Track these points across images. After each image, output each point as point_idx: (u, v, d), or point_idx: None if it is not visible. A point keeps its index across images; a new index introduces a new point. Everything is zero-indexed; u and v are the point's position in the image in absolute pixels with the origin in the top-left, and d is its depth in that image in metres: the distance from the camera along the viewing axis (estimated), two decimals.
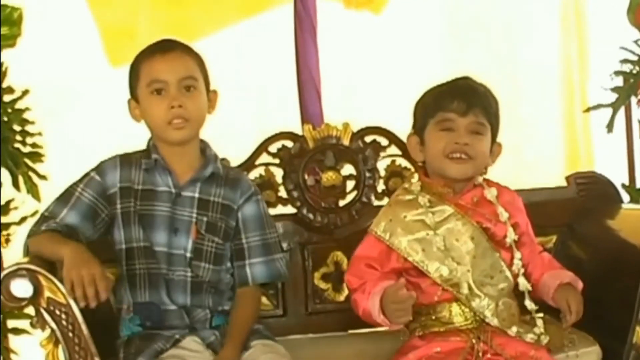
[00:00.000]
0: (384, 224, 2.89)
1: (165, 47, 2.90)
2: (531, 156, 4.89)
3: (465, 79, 2.96)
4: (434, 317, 2.85)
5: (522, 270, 2.90)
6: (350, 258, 2.96)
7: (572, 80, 4.89)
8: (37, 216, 2.97)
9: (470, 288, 2.83)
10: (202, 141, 2.97)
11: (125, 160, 2.94)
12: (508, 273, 2.88)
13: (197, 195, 2.90)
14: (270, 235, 2.98)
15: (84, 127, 4.48)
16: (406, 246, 2.85)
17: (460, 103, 2.85)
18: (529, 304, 2.88)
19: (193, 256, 2.88)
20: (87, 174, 2.92)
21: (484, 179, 2.98)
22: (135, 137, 4.33)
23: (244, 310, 2.90)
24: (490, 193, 2.94)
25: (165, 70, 2.85)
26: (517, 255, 2.90)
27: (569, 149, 4.92)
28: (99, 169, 2.93)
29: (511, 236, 2.90)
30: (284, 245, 3.22)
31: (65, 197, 2.90)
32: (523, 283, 2.89)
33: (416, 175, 3.03)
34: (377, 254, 2.88)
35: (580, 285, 2.91)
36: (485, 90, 2.93)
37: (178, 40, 2.95)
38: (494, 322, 2.82)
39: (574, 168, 4.52)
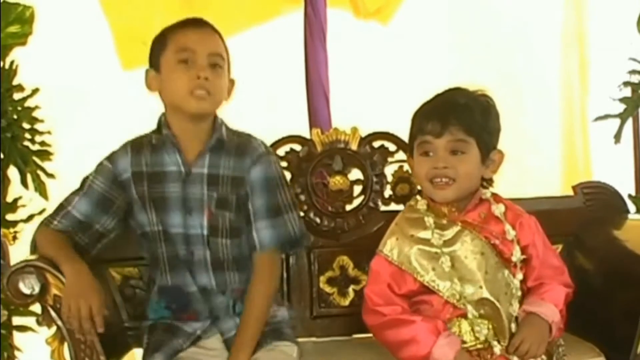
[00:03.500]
0: (391, 244, 2.72)
1: (198, 22, 2.80)
2: (531, 166, 4.78)
3: (453, 90, 2.74)
4: None
5: (519, 293, 2.71)
6: (368, 270, 2.79)
7: (572, 93, 4.77)
8: (45, 215, 2.88)
9: (484, 305, 2.65)
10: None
11: (135, 144, 2.84)
12: (516, 289, 2.71)
13: (206, 171, 2.76)
14: (281, 196, 2.80)
15: (94, 128, 4.38)
16: (416, 266, 2.68)
17: (435, 124, 2.64)
18: (513, 327, 2.68)
19: (209, 233, 2.75)
20: (100, 164, 2.84)
21: (493, 194, 2.79)
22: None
23: (258, 282, 2.75)
24: (498, 209, 2.74)
25: (196, 41, 2.73)
26: (519, 276, 2.71)
27: (567, 159, 4.82)
28: (110, 156, 2.84)
29: (517, 255, 2.71)
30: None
31: (78, 188, 2.83)
32: (515, 306, 2.70)
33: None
34: (390, 276, 2.71)
35: (554, 324, 2.67)
36: (467, 101, 2.69)
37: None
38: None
39: (572, 178, 4.41)
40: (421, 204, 2.76)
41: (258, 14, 4.24)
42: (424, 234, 2.70)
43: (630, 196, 3.59)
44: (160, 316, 2.79)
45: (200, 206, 2.75)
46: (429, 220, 2.71)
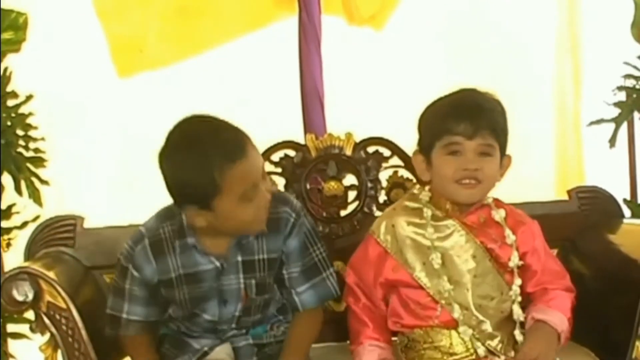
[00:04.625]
0: (385, 229, 2.69)
1: (241, 149, 2.47)
2: (524, 171, 4.74)
3: (471, 91, 2.68)
4: (435, 346, 2.63)
5: (519, 299, 2.66)
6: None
7: (565, 97, 4.73)
8: (39, 222, 2.84)
9: (467, 309, 2.61)
10: None
11: (157, 247, 2.60)
12: (508, 294, 2.66)
13: (240, 258, 2.60)
14: (316, 254, 2.70)
15: (90, 134, 4.35)
16: (407, 258, 2.64)
17: (467, 125, 2.58)
18: (517, 334, 2.64)
19: (242, 314, 2.66)
20: (124, 268, 2.61)
21: (494, 199, 2.74)
22: (137, 145, 4.21)
23: (300, 330, 2.69)
24: (498, 214, 2.69)
25: (252, 175, 2.48)
26: (517, 282, 2.66)
27: (560, 164, 4.78)
28: (135, 263, 2.60)
29: (514, 260, 2.66)
30: None
31: (118, 293, 2.65)
32: (517, 312, 2.65)
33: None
34: (377, 257, 2.68)
35: (562, 333, 2.65)
36: (492, 105, 2.64)
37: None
38: (493, 345, 2.61)
39: (565, 183, 4.39)
40: (424, 195, 2.70)
41: (253, 20, 4.18)
42: (420, 227, 2.66)
43: (625, 201, 3.56)
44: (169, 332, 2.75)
45: (236, 295, 2.62)
46: (427, 212, 2.66)
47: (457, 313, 2.60)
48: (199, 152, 2.43)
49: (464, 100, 2.66)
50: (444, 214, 2.67)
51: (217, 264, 2.59)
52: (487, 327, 2.62)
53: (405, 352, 2.70)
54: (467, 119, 2.59)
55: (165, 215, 2.62)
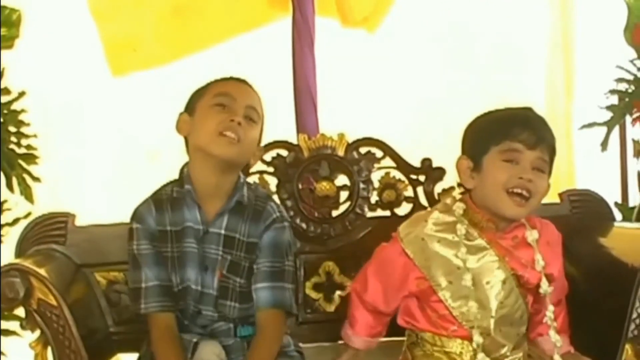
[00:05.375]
0: (414, 241, 2.57)
1: (241, 79, 2.76)
2: None
3: (528, 109, 2.56)
4: (445, 351, 2.56)
5: (555, 324, 2.61)
6: (372, 255, 2.67)
7: (557, 101, 4.72)
8: (31, 218, 2.82)
9: (489, 334, 2.54)
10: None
11: (157, 201, 2.73)
12: (526, 316, 2.62)
13: (223, 232, 2.67)
14: (285, 263, 2.70)
15: (82, 132, 4.33)
16: (434, 274, 2.54)
17: (531, 135, 2.46)
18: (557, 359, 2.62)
19: (219, 294, 2.66)
20: (131, 230, 2.71)
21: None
22: (131, 143, 4.19)
23: (260, 337, 2.65)
24: (532, 235, 2.58)
25: (236, 90, 2.69)
26: (551, 308, 2.60)
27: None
28: (137, 217, 2.71)
29: (544, 287, 2.58)
30: None
31: (132, 263, 2.70)
32: (555, 338, 2.61)
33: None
34: (402, 266, 2.58)
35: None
36: (548, 126, 2.55)
37: None
38: None
39: (556, 186, 4.36)
40: (458, 206, 2.57)
41: (247, 20, 4.18)
42: (452, 246, 2.55)
43: (616, 204, 3.54)
44: None
45: (214, 266, 2.67)
46: (461, 229, 2.54)
47: (475, 344, 2.53)
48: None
49: (527, 112, 2.56)
50: (478, 230, 2.56)
51: (201, 227, 2.67)
52: (507, 350, 2.57)
53: (410, 348, 2.64)
54: (531, 129, 2.48)
55: (172, 180, 2.76)
